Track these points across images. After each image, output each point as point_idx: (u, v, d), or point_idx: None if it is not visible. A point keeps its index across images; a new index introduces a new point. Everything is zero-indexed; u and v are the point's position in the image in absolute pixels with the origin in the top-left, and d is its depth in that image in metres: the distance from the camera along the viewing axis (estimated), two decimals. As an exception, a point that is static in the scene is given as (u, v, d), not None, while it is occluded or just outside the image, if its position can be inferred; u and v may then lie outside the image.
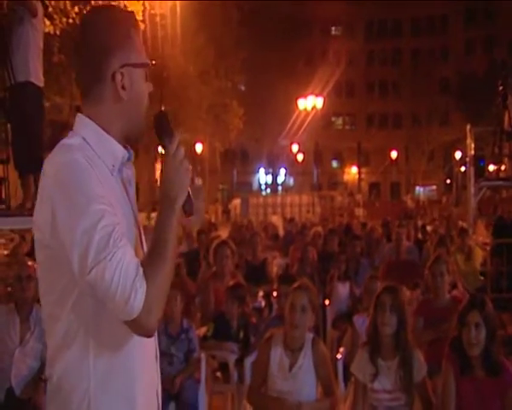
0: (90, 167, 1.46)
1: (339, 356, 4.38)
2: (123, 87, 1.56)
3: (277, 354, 3.31)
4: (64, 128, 22.89)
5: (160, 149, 1.60)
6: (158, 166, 24.64)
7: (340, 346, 5.06)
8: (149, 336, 1.48)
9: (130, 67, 1.56)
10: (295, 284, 3.50)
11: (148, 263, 1.44)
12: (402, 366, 3.26)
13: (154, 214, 22.09)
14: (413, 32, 55.37)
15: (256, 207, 28.77)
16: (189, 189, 1.53)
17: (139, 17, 14.50)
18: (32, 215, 1.51)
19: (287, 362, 3.31)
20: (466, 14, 53.46)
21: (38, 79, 5.27)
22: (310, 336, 3.35)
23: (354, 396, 3.37)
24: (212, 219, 21.76)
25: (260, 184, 49.37)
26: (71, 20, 13.74)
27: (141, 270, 1.41)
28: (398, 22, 56.04)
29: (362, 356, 3.36)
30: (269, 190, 44.92)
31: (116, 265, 1.38)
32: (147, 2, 14.28)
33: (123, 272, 1.38)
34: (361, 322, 4.29)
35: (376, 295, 3.46)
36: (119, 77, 1.55)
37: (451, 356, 3.28)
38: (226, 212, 30.78)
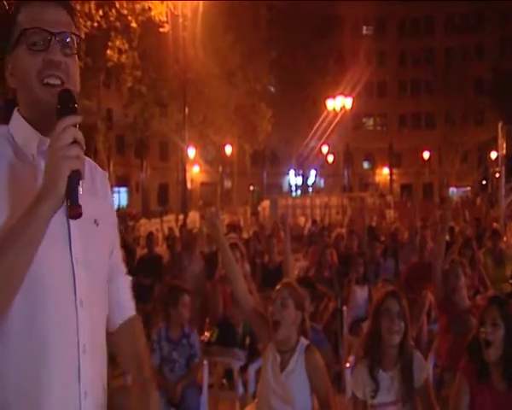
0: None
1: (347, 365, 4.16)
2: (12, 74, 1.41)
3: (271, 354, 3.17)
4: (94, 130, 23.21)
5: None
6: (188, 168, 24.64)
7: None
8: None
9: (15, 48, 1.39)
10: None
11: None
12: (403, 373, 3.05)
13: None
14: (446, 30, 54.38)
15: (285, 208, 28.55)
16: (80, 188, 1.25)
17: (163, 18, 14.55)
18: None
19: (278, 363, 3.15)
20: (501, 12, 52.19)
21: None
22: (304, 342, 3.16)
23: None
24: (241, 222, 21.65)
25: (290, 186, 49.15)
26: (96, 24, 13.88)
27: None
28: (430, 20, 55.16)
29: (360, 371, 3.13)
30: (299, 192, 44.64)
31: None
32: (170, 4, 14.29)
33: None
34: None
35: (378, 301, 3.21)
36: (7, 64, 1.42)
37: (468, 363, 3.04)
38: (255, 214, 30.64)
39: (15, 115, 1.44)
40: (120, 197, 35.96)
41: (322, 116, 34.57)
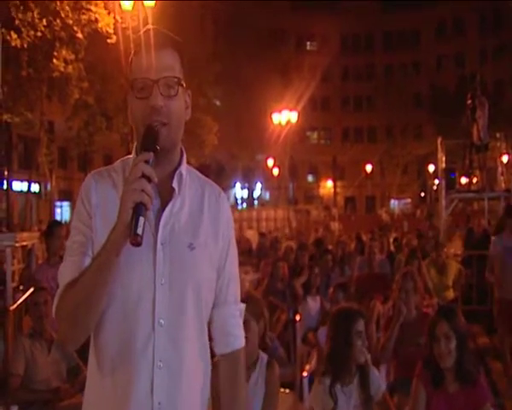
0: (93, 183, 1.62)
1: (304, 374, 4.26)
2: (130, 113, 1.59)
3: None
4: (36, 144, 22.50)
5: None
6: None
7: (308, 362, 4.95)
8: (67, 348, 1.60)
9: (129, 92, 1.56)
10: None
11: (74, 279, 1.48)
12: (361, 387, 3.16)
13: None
14: (385, 47, 56.24)
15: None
16: (143, 218, 1.35)
17: (110, 30, 14.40)
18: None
19: None
20: (437, 30, 54.50)
21: None
22: (264, 357, 3.22)
23: None
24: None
25: (236, 199, 49.25)
26: (39, 34, 13.52)
27: (65, 282, 1.49)
28: (370, 38, 56.88)
29: (319, 388, 3.21)
30: (245, 205, 44.80)
31: (60, 269, 1.55)
32: (118, 16, 14.16)
33: (59, 277, 1.52)
34: (324, 335, 4.19)
35: (347, 321, 3.25)
36: (128, 103, 1.59)
37: (423, 373, 3.21)
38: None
39: (134, 148, 1.59)
40: (63, 212, 35.01)
41: (268, 130, 34.95)
